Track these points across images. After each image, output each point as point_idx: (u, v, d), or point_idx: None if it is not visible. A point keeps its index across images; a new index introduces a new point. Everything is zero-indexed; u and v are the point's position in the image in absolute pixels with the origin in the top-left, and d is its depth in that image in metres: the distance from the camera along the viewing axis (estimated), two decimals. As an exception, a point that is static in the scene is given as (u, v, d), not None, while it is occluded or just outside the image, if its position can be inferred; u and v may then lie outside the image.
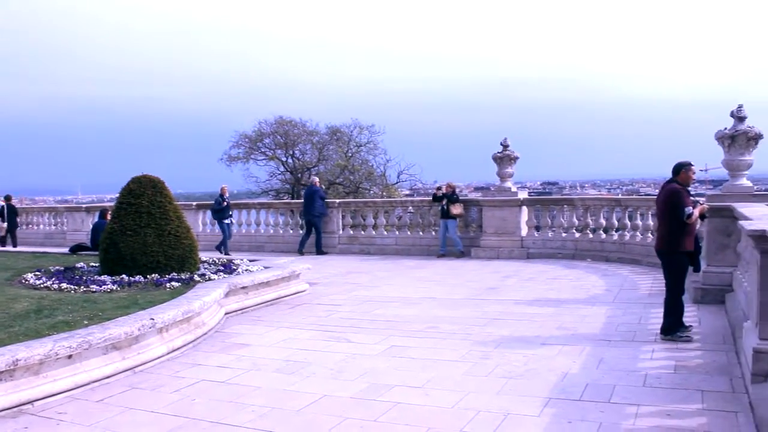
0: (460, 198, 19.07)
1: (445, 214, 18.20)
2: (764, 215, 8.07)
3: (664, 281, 8.91)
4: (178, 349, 8.28)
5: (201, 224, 22.47)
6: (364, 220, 20.52)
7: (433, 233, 19.34)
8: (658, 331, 8.65)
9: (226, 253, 18.88)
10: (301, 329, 9.63)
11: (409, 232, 19.79)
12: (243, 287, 11.01)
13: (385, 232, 20.09)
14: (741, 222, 7.51)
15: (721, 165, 11.97)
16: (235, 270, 12.11)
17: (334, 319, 10.33)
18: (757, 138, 11.31)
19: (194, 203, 23.25)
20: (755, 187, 11.96)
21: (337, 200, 22.08)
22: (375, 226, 20.24)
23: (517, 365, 7.47)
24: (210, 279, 11.06)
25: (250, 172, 41.41)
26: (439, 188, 19.20)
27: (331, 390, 6.75)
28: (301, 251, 19.63)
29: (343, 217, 20.65)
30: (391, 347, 8.43)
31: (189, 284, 10.57)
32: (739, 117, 11.33)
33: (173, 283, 10.57)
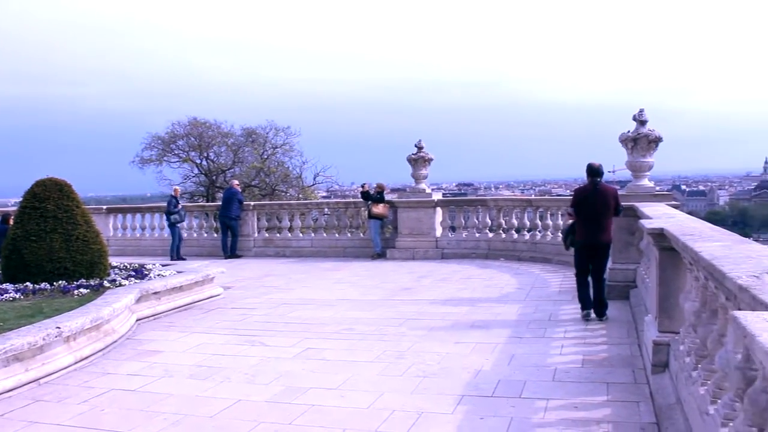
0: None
1: (370, 214, 18.28)
2: (663, 214, 8.45)
3: (577, 274, 9.95)
4: (87, 358, 8.02)
5: (112, 228, 21.83)
6: (280, 222, 20.39)
7: (349, 235, 19.41)
8: (581, 318, 9.63)
9: (181, 258, 18.65)
10: (216, 334, 9.49)
11: (325, 234, 19.76)
12: (155, 292, 10.77)
13: (301, 235, 19.98)
14: (642, 221, 7.84)
15: (625, 166, 12.45)
16: (147, 275, 11.83)
17: (249, 322, 10.22)
18: (657, 141, 11.83)
19: (104, 207, 22.58)
20: (657, 188, 12.51)
21: (252, 203, 21.82)
22: (291, 229, 20.12)
23: (432, 364, 7.58)
24: (120, 285, 10.76)
25: (163, 174, 40.37)
26: (363, 185, 19.13)
27: (245, 394, 6.69)
28: (225, 254, 19.31)
29: (259, 219, 20.44)
30: (306, 350, 8.41)
31: (98, 291, 10.26)
32: (640, 121, 11.81)
33: (81, 290, 10.24)
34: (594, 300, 9.64)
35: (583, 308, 9.71)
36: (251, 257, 19.46)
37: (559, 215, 15.79)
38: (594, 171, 9.72)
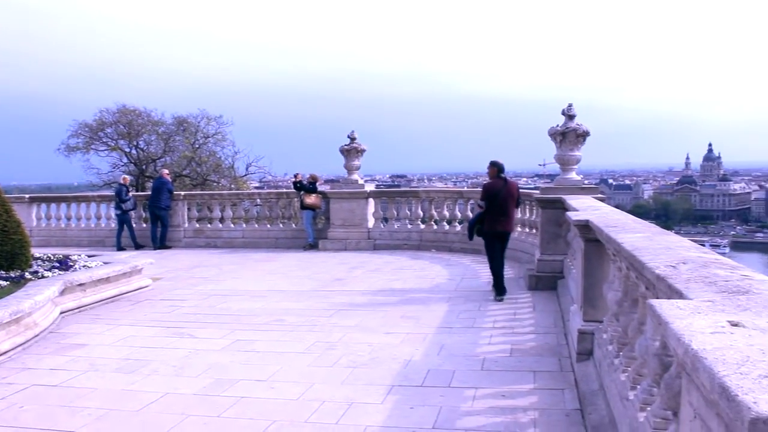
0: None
1: (302, 205, 18.20)
2: (589, 207, 8.66)
3: (490, 260, 11.02)
4: (6, 353, 7.73)
5: (35, 218, 21.12)
6: (211, 212, 20.10)
7: (281, 225, 19.28)
8: (494, 299, 10.61)
9: (138, 246, 18.72)
10: (143, 326, 9.31)
11: (257, 225, 19.58)
12: (80, 284, 10.48)
13: (233, 225, 19.73)
14: (569, 213, 8.03)
15: (554, 160, 12.70)
16: (72, 266, 11.50)
17: (178, 314, 10.06)
18: (584, 135, 12.10)
19: (27, 196, 21.81)
20: (586, 181, 12.81)
21: (182, 192, 21.40)
22: (222, 219, 19.84)
23: (362, 355, 7.61)
24: (43, 276, 10.43)
25: (90, 163, 39.20)
26: (296, 176, 19.00)
27: (173, 387, 6.58)
28: (155, 245, 18.93)
29: (189, 209, 20.07)
30: (236, 341, 8.33)
31: (19, 283, 9.91)
32: (569, 115, 12.06)
33: (1, 282, 9.88)
34: (495, 282, 10.85)
35: (499, 292, 10.72)
36: (181, 248, 19.12)
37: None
38: (501, 168, 11.06)
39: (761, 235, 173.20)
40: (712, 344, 2.03)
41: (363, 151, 18.74)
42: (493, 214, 10.80)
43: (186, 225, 19.88)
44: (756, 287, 2.98)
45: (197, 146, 39.87)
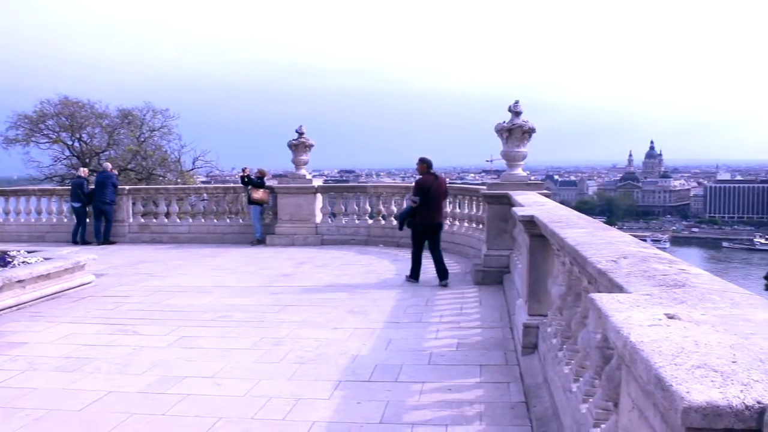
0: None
1: (250, 199, 18.06)
2: (534, 202, 8.80)
3: (417, 252, 11.84)
4: (-59, 350, 7.51)
5: (-28, 213, 20.48)
6: (156, 207, 19.75)
7: (228, 220, 19.09)
8: (438, 284, 11.40)
9: (84, 242, 18.32)
10: (86, 323, 9.12)
11: (203, 220, 19.33)
12: (19, 281, 10.20)
13: (179, 220, 19.46)
14: (515, 208, 8.14)
15: (500, 156, 12.86)
16: (10, 263, 11.17)
17: (122, 311, 9.88)
18: (530, 131, 12.29)
19: (-36, 190, 21.13)
20: (533, 177, 13.02)
21: (127, 187, 20.98)
22: (168, 214, 19.53)
23: (309, 350, 7.59)
24: (-20, 273, 10.12)
25: (30, 156, 38.09)
26: (243, 170, 18.82)
27: (117, 385, 6.47)
28: (98, 240, 18.53)
29: (134, 204, 19.71)
30: (181, 338, 8.23)
31: (-45, 279, 9.62)
32: (515, 112, 12.22)
33: (-65, 279, 9.57)
34: (438, 269, 11.52)
35: (415, 277, 11.81)
36: (126, 243, 18.76)
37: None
38: (430, 164, 11.90)
39: (697, 230, 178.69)
40: (649, 336, 2.09)
41: (311, 146, 18.64)
42: (426, 207, 11.59)
43: (131, 220, 19.50)
44: (692, 281, 3.08)
45: (142, 140, 39.13)
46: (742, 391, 1.65)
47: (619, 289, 3.01)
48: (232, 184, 21.31)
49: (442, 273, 11.49)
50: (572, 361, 4.79)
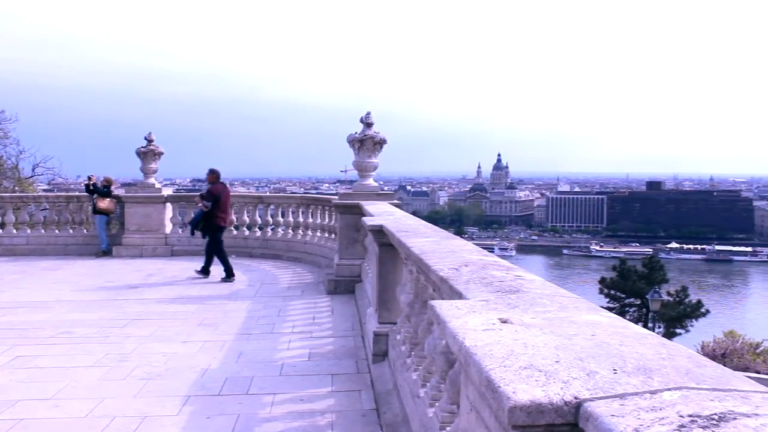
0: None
1: (95, 209, 17.19)
2: (384, 212, 8.97)
3: (222, 251, 13.37)
4: None
5: None
6: (-10, 218, 18.42)
7: (71, 231, 18.10)
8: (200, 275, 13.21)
9: None
10: None
11: (44, 231, 18.20)
12: None
13: (15, 231, 18.19)
14: (365, 218, 8.27)
15: (353, 166, 13.02)
16: None
17: (-52, 331, 9.13)
18: (382, 142, 12.54)
19: None
20: (386, 187, 13.29)
21: (-44, 196, 19.45)
22: (3, 224, 18.24)
23: (158, 365, 7.35)
24: None
25: None
26: (89, 178, 17.88)
27: (-60, 411, 5.97)
28: None
29: (-36, 214, 18.28)
30: (16, 358, 7.71)
31: None
32: (367, 123, 12.43)
33: None
34: (209, 266, 13.45)
35: (231, 275, 13.06)
36: (-46, 257, 17.35)
37: (290, 212, 16.33)
38: (219, 174, 13.58)
39: (536, 238, 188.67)
40: (483, 341, 2.19)
41: (161, 153, 18.08)
42: (219, 212, 13.23)
43: (-40, 232, 18.07)
44: (526, 286, 3.26)
45: (-27, 145, 36.39)
46: (562, 388, 1.77)
47: (459, 295, 3.14)
48: (76, 193, 20.22)
49: (208, 269, 13.40)
50: (420, 367, 4.92)
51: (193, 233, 13.91)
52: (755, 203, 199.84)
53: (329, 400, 6.26)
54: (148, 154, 17.88)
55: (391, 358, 6.46)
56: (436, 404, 3.98)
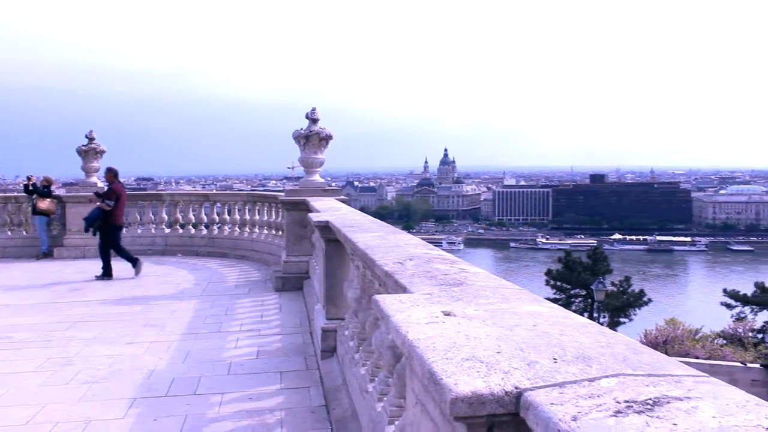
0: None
1: (35, 210, 16.74)
2: (331, 208, 8.96)
3: (120, 246, 13.65)
4: None
5: None
6: None
7: (9, 233, 17.60)
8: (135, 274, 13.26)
9: None
10: None
11: (-24, 233, 17.67)
12: None
13: (-54, 235, 17.63)
14: (311, 214, 8.25)
15: (299, 163, 12.96)
16: None
17: None
18: (328, 138, 12.50)
19: None
20: (333, 183, 13.25)
21: None
22: (-68, 228, 17.65)
23: (102, 368, 7.21)
24: None
25: None
26: (29, 178, 17.39)
27: None
28: None
29: None
30: (-49, 365, 7.46)
31: None
32: (313, 119, 12.38)
33: None
34: (108, 264, 13.33)
35: (135, 264, 13.39)
36: None
37: (236, 210, 16.15)
38: (117, 173, 13.79)
39: (483, 231, 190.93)
40: (426, 334, 2.21)
41: (103, 152, 17.72)
42: (118, 211, 13.40)
43: None
44: (470, 279, 3.29)
45: None
46: (503, 378, 1.80)
47: (404, 289, 3.16)
48: (14, 194, 19.67)
49: (110, 265, 13.33)
50: (368, 362, 4.93)
51: (87, 231, 13.71)
52: (693, 195, 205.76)
53: (278, 397, 6.23)
54: (89, 152, 17.50)
55: (339, 354, 6.47)
56: (385, 398, 4.00)
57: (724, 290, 47.61)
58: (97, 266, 14.86)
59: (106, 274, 13.22)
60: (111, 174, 13.73)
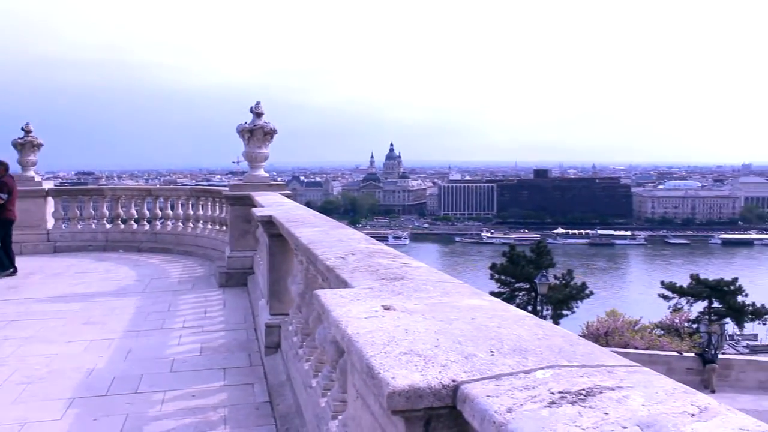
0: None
1: None
2: (274, 203, 8.92)
3: (4, 244, 13.13)
4: None
5: None
6: None
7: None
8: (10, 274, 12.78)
9: None
10: None
11: None
12: None
13: None
14: (254, 209, 8.19)
15: (243, 157, 12.85)
16: None
17: None
18: (272, 133, 12.41)
19: None
20: (279, 178, 13.16)
21: None
22: None
23: (39, 368, 7.02)
24: None
25: None
26: None
27: None
28: None
29: None
30: None
31: None
32: (257, 113, 12.27)
33: None
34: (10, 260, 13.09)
35: (10, 266, 12.95)
36: None
37: (179, 205, 15.94)
38: (8, 167, 13.57)
39: (428, 226, 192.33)
40: (365, 328, 2.22)
41: (40, 145, 17.21)
42: (11, 205, 13.29)
43: None
44: (411, 273, 3.31)
45: None
46: (440, 372, 1.82)
47: (345, 284, 3.16)
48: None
49: (12, 262, 13.14)
50: (312, 358, 4.92)
51: None
52: (633, 189, 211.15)
53: (222, 394, 6.17)
54: (26, 145, 16.98)
55: (283, 350, 6.44)
56: (328, 393, 4.00)
57: (662, 282, 49.10)
58: (36, 263, 14.55)
59: (5, 268, 12.92)
60: (2, 167, 13.40)
